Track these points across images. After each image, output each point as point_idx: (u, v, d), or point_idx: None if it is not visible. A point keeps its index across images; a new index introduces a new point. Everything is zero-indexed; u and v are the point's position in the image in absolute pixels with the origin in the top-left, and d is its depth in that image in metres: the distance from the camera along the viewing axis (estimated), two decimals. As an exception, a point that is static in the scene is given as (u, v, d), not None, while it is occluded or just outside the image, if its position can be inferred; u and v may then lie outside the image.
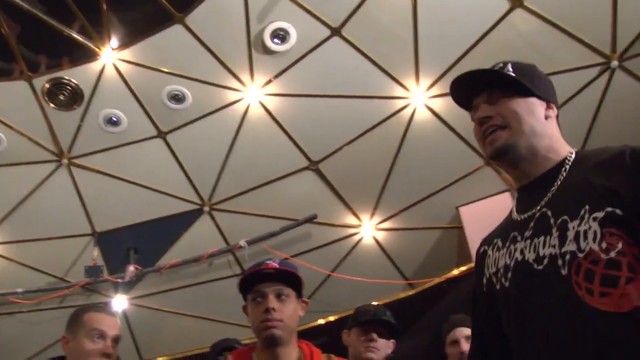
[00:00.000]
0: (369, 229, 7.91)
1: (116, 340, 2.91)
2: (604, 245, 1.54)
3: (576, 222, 1.61)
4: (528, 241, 1.73)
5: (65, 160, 7.20)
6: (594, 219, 1.57)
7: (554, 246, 1.64)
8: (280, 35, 6.39)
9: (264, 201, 7.64)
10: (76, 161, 7.26)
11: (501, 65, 1.90)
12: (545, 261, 1.64)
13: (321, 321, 8.44)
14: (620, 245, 1.53)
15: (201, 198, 7.68)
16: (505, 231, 1.87)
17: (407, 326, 7.69)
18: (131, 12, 6.22)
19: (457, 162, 7.06)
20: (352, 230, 7.95)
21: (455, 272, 7.76)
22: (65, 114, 6.85)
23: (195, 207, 7.77)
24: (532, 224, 1.75)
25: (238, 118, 7.02)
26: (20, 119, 6.87)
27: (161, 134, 7.14)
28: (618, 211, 1.55)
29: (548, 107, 1.88)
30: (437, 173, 7.28)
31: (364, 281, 7.88)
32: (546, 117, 1.87)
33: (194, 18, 6.27)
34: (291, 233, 7.71)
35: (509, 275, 1.76)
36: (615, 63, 6.41)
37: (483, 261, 1.94)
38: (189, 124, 7.09)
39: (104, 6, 6.03)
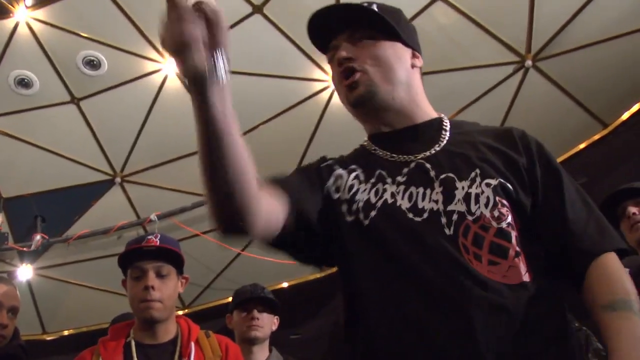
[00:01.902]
0: (281, 210, 7.89)
1: (12, 310, 2.85)
2: (496, 213, 1.47)
3: (466, 183, 1.51)
4: (402, 187, 1.55)
5: (-29, 121, 6.98)
6: (487, 184, 1.50)
7: (436, 202, 1.50)
8: (202, 7, 6.31)
9: (177, 175, 7.56)
10: (-16, 122, 7.04)
11: (366, 4, 1.67)
12: (425, 215, 1.49)
13: (230, 299, 8.39)
14: (509, 218, 1.48)
15: (113, 169, 7.56)
16: (366, 165, 1.65)
17: (317, 307, 7.77)
18: (47, -30, 6.06)
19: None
20: (265, 210, 7.92)
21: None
22: (-27, 72, 6.64)
23: (107, 177, 7.65)
24: (405, 170, 1.58)
25: (154, 89, 6.94)
26: None
27: (74, 100, 6.99)
28: (509, 185, 1.51)
29: (414, 56, 1.71)
30: (351, 158, 7.33)
31: (274, 261, 7.88)
32: (412, 66, 1.69)
33: (114, -18, 6.16)
34: (203, 209, 7.61)
35: (372, 213, 1.54)
36: (529, 62, 6.58)
37: (330, 174, 1.66)
38: (103, 92, 6.97)
39: (19, -38, 5.87)
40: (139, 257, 2.62)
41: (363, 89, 1.61)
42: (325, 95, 6.95)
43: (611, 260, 1.50)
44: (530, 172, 1.55)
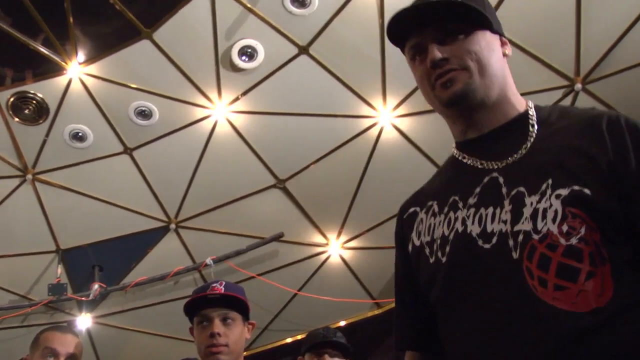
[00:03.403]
0: (336, 248, 7.89)
1: (71, 358, 2.89)
2: (564, 228, 1.29)
3: (535, 198, 1.34)
4: (472, 210, 1.45)
5: (29, 176, 7.09)
6: (557, 196, 1.32)
7: (505, 222, 1.37)
8: (248, 52, 6.39)
9: (230, 219, 7.60)
10: (41, 177, 7.16)
11: None
12: (494, 239, 1.37)
13: (289, 340, 8.42)
14: (583, 230, 1.29)
15: (167, 215, 7.63)
16: (443, 193, 1.57)
17: (374, 345, 7.70)
18: (98, 26, 6.18)
19: (423, 181, 7.05)
20: (319, 249, 7.94)
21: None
22: (30, 129, 6.77)
23: (162, 224, 7.70)
24: (477, 189, 1.47)
25: (205, 135, 6.99)
26: (-16, 133, 6.78)
27: (127, 150, 7.09)
28: (586, 190, 1.31)
29: (503, 43, 1.60)
30: (403, 192, 7.16)
31: (331, 300, 7.87)
32: (504, 55, 1.59)
33: (162, 34, 6.25)
34: (258, 251, 7.67)
35: (447, 249, 1.47)
36: (579, 86, 6.48)
37: (412, 224, 1.64)
38: (155, 141, 7.04)
39: (71, 20, 5.99)
40: (205, 304, 2.69)
41: (460, 86, 1.49)
42: (374, 131, 6.93)
43: None
44: (618, 167, 1.33)
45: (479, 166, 1.51)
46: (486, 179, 1.47)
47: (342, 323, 8.23)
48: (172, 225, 7.68)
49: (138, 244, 7.85)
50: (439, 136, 5.97)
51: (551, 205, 1.32)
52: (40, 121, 6.69)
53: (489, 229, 1.39)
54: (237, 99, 6.76)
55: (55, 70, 6.39)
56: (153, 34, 6.24)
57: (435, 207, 1.56)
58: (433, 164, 6.91)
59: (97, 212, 7.49)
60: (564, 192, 1.32)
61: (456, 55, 1.49)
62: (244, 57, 6.42)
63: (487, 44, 1.52)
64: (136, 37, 6.25)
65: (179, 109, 6.80)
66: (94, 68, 6.43)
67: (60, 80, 6.47)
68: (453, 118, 1.60)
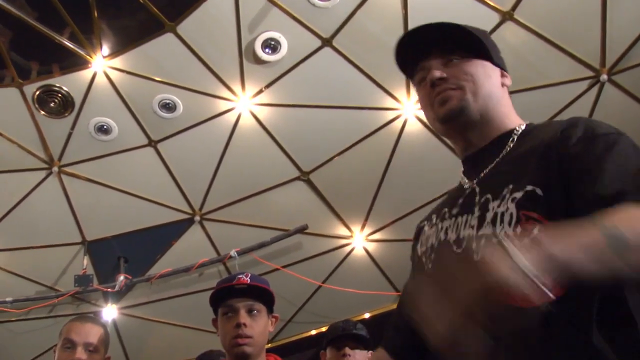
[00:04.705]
0: (360, 240, 7.89)
1: (91, 347, 2.88)
2: (518, 230, 1.37)
3: (497, 203, 1.44)
4: (453, 219, 1.56)
5: (55, 169, 7.16)
6: (513, 199, 1.41)
7: (472, 227, 1.48)
8: (272, 45, 6.39)
9: (254, 211, 7.62)
10: (67, 169, 7.23)
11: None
12: (464, 244, 1.48)
13: (313, 332, 8.43)
14: (535, 231, 1.32)
15: (192, 207, 7.66)
16: (441, 206, 1.70)
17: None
18: (122, 20, 6.22)
19: (448, 174, 6.96)
20: (343, 241, 7.94)
21: (446, 284, 7.74)
22: (56, 122, 6.83)
23: (186, 216, 7.74)
24: (460, 200, 1.59)
25: (229, 127, 7.01)
26: (11, 126, 6.84)
27: (152, 143, 7.13)
28: (538, 190, 1.38)
29: (503, 75, 1.71)
30: (428, 184, 7.23)
31: (355, 292, 7.86)
32: (502, 85, 1.69)
33: (186, 27, 6.26)
34: (282, 243, 7.68)
35: (432, 256, 1.60)
36: (604, 77, 6.41)
37: (417, 238, 1.76)
38: (180, 133, 7.07)
39: (95, 14, 6.03)
40: (231, 295, 2.68)
41: (455, 102, 1.60)
42: (398, 123, 6.92)
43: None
44: (563, 158, 1.40)
45: (467, 180, 1.64)
46: (468, 190, 1.59)
47: (367, 315, 8.23)
48: (197, 218, 7.72)
49: (163, 236, 7.91)
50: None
51: (507, 208, 1.41)
52: (66, 114, 6.75)
53: (461, 235, 1.51)
54: (260, 91, 6.77)
55: (80, 63, 6.43)
56: (177, 27, 6.26)
57: (434, 219, 1.70)
58: (456, 156, 6.87)
59: (122, 204, 7.56)
60: (518, 195, 1.40)
61: (454, 75, 1.62)
62: (267, 50, 6.43)
63: (484, 71, 1.65)
64: (160, 30, 6.27)
65: (203, 101, 6.82)
66: (118, 61, 6.47)
67: (85, 74, 6.51)
68: (451, 137, 1.74)
